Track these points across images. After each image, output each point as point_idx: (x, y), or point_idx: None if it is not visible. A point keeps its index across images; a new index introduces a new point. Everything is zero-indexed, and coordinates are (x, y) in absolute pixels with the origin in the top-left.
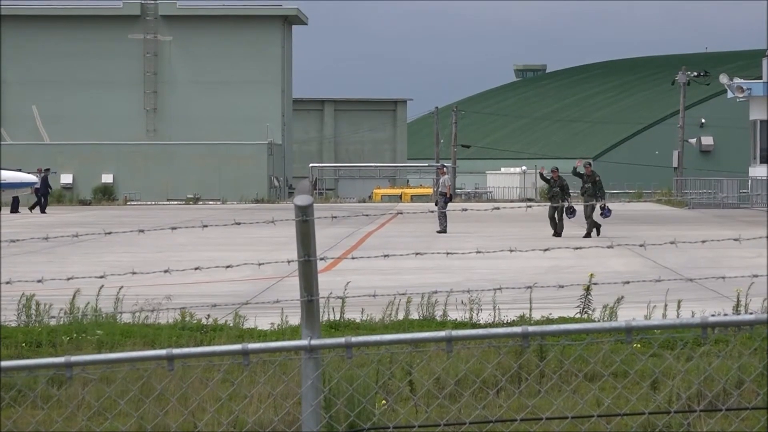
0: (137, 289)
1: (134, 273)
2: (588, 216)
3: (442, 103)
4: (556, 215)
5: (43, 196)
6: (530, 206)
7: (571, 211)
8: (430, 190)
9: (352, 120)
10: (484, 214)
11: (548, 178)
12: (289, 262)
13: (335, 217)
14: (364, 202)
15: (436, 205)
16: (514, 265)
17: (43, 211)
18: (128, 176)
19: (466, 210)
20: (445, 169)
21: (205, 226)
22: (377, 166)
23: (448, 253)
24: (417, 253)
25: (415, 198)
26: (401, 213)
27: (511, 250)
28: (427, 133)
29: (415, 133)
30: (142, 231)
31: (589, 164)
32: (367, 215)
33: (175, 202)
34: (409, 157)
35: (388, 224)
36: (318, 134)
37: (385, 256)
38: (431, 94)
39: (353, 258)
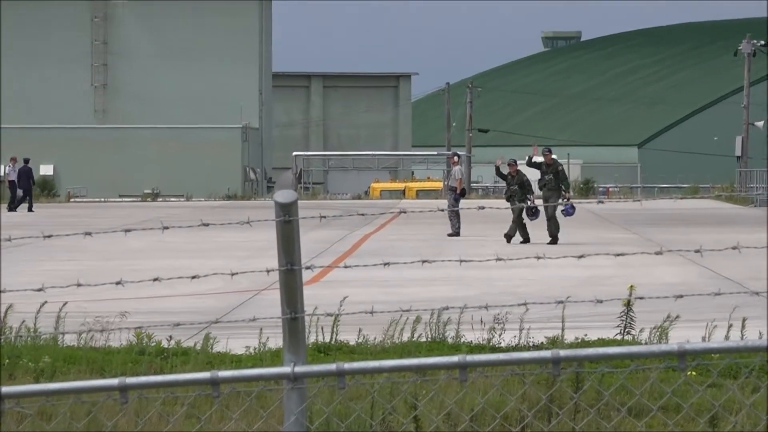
0: (84, 304)
1: (80, 285)
2: (551, 216)
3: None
4: (522, 216)
5: (26, 191)
6: (564, 201)
7: (533, 212)
8: (440, 184)
9: (345, 99)
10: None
11: (505, 173)
12: (268, 271)
13: (324, 217)
14: (360, 198)
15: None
16: (542, 275)
17: (30, 209)
18: (72, 167)
19: (483, 208)
20: (457, 158)
21: (166, 228)
22: (375, 155)
23: (461, 261)
24: (424, 261)
25: (421, 194)
26: (404, 212)
27: (539, 257)
28: (437, 114)
29: (421, 115)
30: (89, 234)
31: (549, 151)
32: (363, 215)
33: (130, 199)
34: (414, 144)
35: (389, 226)
36: (303, 116)
37: (386, 264)
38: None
39: (346, 267)
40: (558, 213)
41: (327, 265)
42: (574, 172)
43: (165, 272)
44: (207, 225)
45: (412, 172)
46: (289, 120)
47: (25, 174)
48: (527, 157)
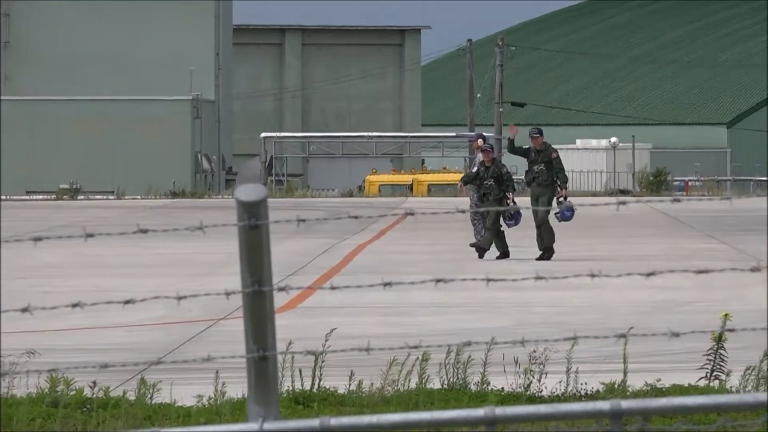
0: None
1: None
2: (541, 223)
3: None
4: (499, 220)
5: None
6: (624, 202)
7: (511, 216)
8: (459, 176)
9: (332, 62)
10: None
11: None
12: (227, 294)
13: (303, 220)
14: (352, 195)
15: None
16: (597, 298)
17: None
18: None
19: (518, 208)
20: (482, 142)
21: (90, 235)
22: (373, 138)
23: (488, 280)
24: (438, 280)
25: (434, 189)
26: (412, 214)
27: (593, 275)
28: (455, 83)
29: (434, 83)
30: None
31: (539, 132)
32: (356, 217)
33: (41, 196)
34: (426, 123)
35: (391, 232)
36: (275, 85)
37: (386, 284)
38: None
39: (333, 288)
40: (551, 216)
41: (308, 285)
42: (641, 160)
43: (88, 295)
44: (145, 232)
45: (423, 161)
46: (255, 90)
47: None
48: (507, 140)
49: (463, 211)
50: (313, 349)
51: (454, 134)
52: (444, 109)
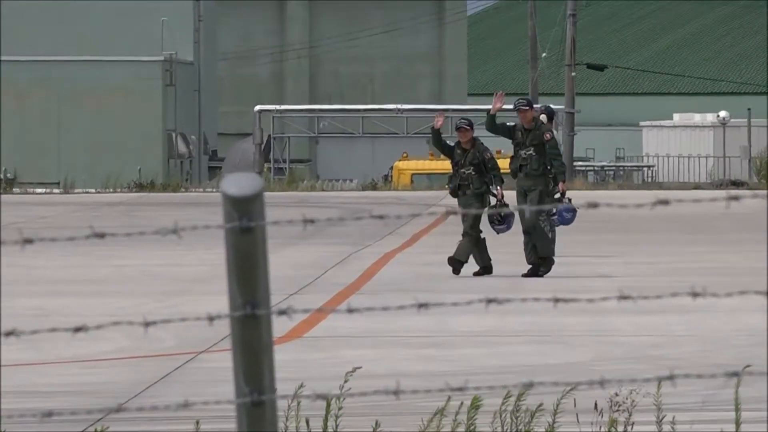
0: None
1: None
2: (529, 227)
3: None
4: (479, 223)
5: None
6: (736, 197)
7: (500, 220)
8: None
9: (348, 13)
10: (635, 213)
11: (451, 145)
12: (211, 319)
13: (311, 221)
14: (375, 188)
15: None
16: (700, 325)
17: None
18: None
19: (596, 206)
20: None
21: (28, 241)
22: (402, 112)
23: (556, 301)
24: (490, 301)
25: None
26: (454, 212)
27: (696, 294)
28: (511, 39)
29: (484, 39)
30: None
31: (528, 104)
32: (380, 217)
33: None
34: (473, 92)
35: (427, 237)
36: (274, 42)
37: (421, 306)
38: None
39: (351, 311)
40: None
41: (317, 307)
42: (760, 141)
43: (26, 321)
44: (101, 236)
45: None
46: (247, 49)
47: None
48: (487, 114)
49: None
50: (325, 392)
51: (511, 106)
52: (497, 74)
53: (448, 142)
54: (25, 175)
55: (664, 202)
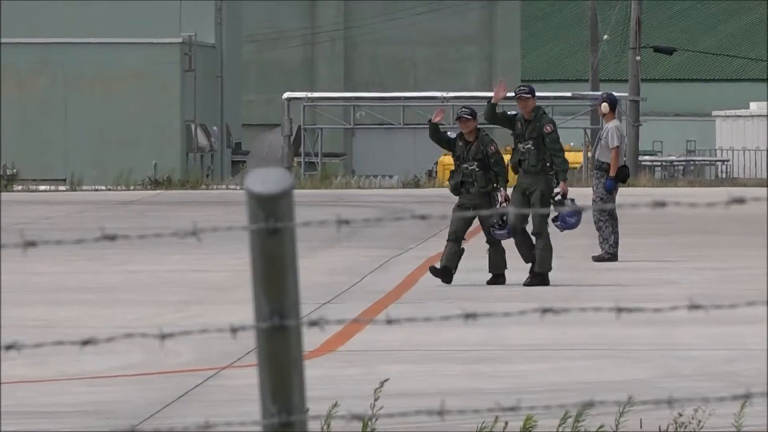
0: None
1: None
2: (539, 231)
3: None
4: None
5: None
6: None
7: (502, 224)
8: (579, 158)
9: None
10: (706, 213)
11: (451, 138)
12: (234, 330)
13: (346, 222)
14: (418, 185)
15: (607, 194)
16: None
17: None
18: None
19: (663, 205)
20: (606, 106)
21: (31, 244)
22: (447, 101)
23: (619, 310)
24: (545, 310)
25: None
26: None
27: None
28: (569, 20)
29: (539, 20)
30: None
31: (529, 92)
32: (423, 217)
33: None
34: (527, 78)
35: (475, 239)
36: (304, 23)
37: (469, 316)
38: None
39: (390, 322)
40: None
41: (353, 317)
42: None
43: (29, 333)
44: (113, 239)
45: None
46: (275, 30)
47: None
48: (487, 103)
49: (583, 209)
50: (361, 411)
51: (569, 94)
52: (553, 58)
53: (449, 133)
54: (28, 170)
55: (740, 201)
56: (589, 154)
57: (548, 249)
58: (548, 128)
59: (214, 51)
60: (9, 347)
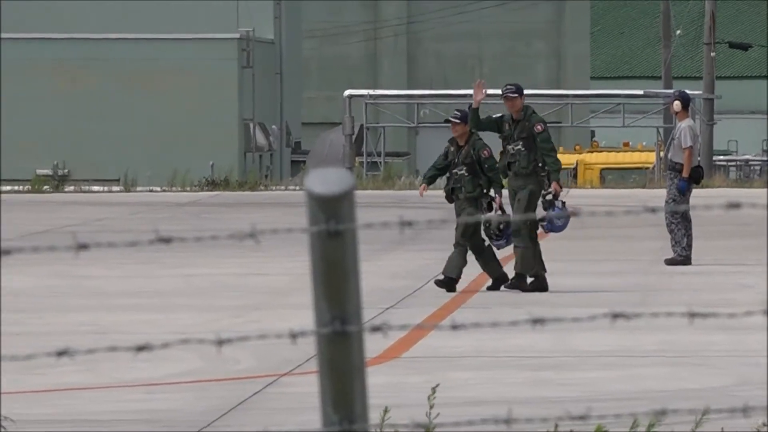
0: None
1: None
2: (516, 231)
3: None
4: (478, 233)
5: None
6: (549, 199)
7: (500, 233)
8: (652, 157)
9: None
10: None
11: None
12: (293, 336)
13: (410, 224)
14: None
15: (673, 196)
16: None
17: None
18: None
19: (738, 206)
20: (679, 104)
21: (83, 247)
22: None
23: (692, 315)
24: (616, 315)
25: (611, 175)
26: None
27: None
28: (639, 14)
29: (608, 14)
30: None
31: (517, 91)
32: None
33: (8, 188)
34: (596, 75)
35: (544, 242)
36: (367, 18)
37: (537, 322)
38: None
39: (455, 327)
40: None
41: (417, 323)
42: None
43: (81, 339)
44: (168, 241)
45: (593, 133)
46: (336, 25)
47: None
48: (468, 109)
49: (654, 211)
50: (425, 420)
51: (640, 92)
52: (623, 54)
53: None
54: (80, 170)
55: None
56: (662, 154)
57: (529, 249)
58: (539, 127)
59: (273, 47)
60: (61, 353)
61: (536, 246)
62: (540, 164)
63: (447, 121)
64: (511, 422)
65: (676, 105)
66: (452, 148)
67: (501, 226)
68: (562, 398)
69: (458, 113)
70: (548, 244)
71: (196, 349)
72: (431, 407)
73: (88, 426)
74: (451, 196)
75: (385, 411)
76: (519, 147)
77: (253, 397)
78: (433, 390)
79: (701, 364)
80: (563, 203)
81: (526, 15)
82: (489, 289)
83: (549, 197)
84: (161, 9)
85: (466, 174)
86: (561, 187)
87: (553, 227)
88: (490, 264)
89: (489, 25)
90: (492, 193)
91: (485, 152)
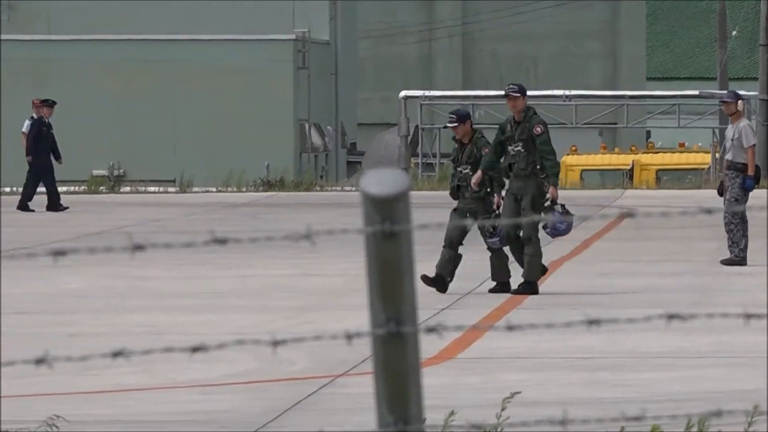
0: None
1: None
2: (525, 238)
3: None
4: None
5: (42, 171)
6: (548, 204)
7: (493, 231)
8: (707, 158)
9: None
10: None
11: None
12: (349, 337)
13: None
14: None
15: (720, 194)
16: None
17: (54, 206)
18: None
19: None
20: (739, 104)
21: (139, 247)
22: (570, 99)
23: (748, 317)
24: (672, 316)
25: (667, 176)
26: (631, 215)
27: None
28: (694, 13)
29: (664, 14)
30: None
31: (519, 90)
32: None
33: (63, 188)
34: (652, 76)
35: (599, 242)
36: (422, 18)
37: (593, 323)
38: None
39: (510, 328)
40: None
41: (472, 324)
42: None
43: (136, 339)
44: (223, 242)
45: (648, 134)
46: (392, 26)
47: (44, 136)
48: (453, 118)
49: (710, 212)
50: (480, 421)
51: (696, 92)
52: (679, 55)
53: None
54: (135, 171)
55: None
56: (717, 155)
57: (537, 256)
58: (538, 129)
59: (329, 48)
60: (117, 354)
61: (520, 249)
62: (538, 166)
63: (451, 117)
64: (566, 423)
65: (740, 105)
66: (456, 146)
67: (495, 226)
68: (617, 399)
69: (454, 116)
70: (604, 245)
71: (251, 350)
72: (503, 409)
73: (143, 427)
74: (456, 193)
75: (451, 413)
76: (519, 148)
77: (309, 398)
78: (512, 394)
79: (756, 365)
80: (563, 206)
81: (582, 15)
82: (492, 291)
83: (547, 203)
84: (217, 10)
85: (471, 172)
86: (557, 192)
87: (556, 231)
88: (502, 264)
89: (544, 25)
90: (493, 195)
91: (486, 150)
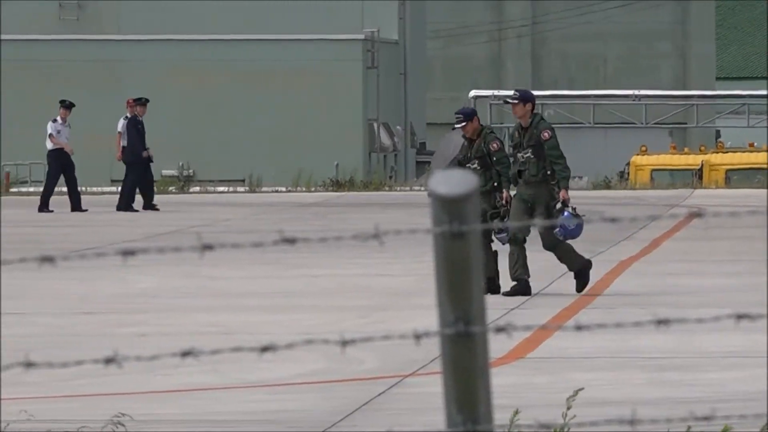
0: (33, 405)
1: (30, 365)
2: (550, 246)
3: None
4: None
5: (137, 168)
6: (559, 207)
7: (499, 228)
8: None
9: None
10: None
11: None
12: (417, 337)
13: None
14: (609, 186)
15: None
16: None
17: (127, 206)
18: (12, 126)
19: None
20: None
21: (208, 247)
22: (640, 99)
23: None
24: (741, 316)
25: (736, 176)
26: (700, 215)
27: None
28: (765, 15)
29: (734, 13)
30: (48, 260)
31: (523, 97)
32: (613, 220)
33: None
34: (722, 76)
35: (669, 242)
36: (492, 18)
37: (662, 322)
38: None
39: (579, 328)
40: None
41: (541, 324)
42: None
43: (205, 339)
44: (292, 242)
45: (718, 133)
46: (461, 25)
47: (138, 132)
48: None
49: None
50: (550, 420)
51: (765, 92)
52: (749, 54)
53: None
54: (204, 171)
55: None
56: None
57: (569, 251)
58: (546, 135)
59: (398, 47)
60: (186, 354)
61: (523, 251)
62: (549, 172)
63: (458, 116)
64: (635, 423)
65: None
66: (465, 144)
67: (505, 220)
68: (686, 399)
69: (461, 116)
70: (673, 244)
71: (320, 350)
72: (568, 408)
73: (213, 426)
74: None
75: (516, 413)
76: (528, 155)
77: (378, 398)
78: (575, 392)
79: None
80: (574, 209)
81: (651, 15)
82: (505, 294)
83: (558, 206)
84: (286, 10)
85: (479, 168)
86: (568, 195)
87: (566, 231)
88: (491, 264)
89: (613, 25)
90: (500, 191)
91: (494, 145)
